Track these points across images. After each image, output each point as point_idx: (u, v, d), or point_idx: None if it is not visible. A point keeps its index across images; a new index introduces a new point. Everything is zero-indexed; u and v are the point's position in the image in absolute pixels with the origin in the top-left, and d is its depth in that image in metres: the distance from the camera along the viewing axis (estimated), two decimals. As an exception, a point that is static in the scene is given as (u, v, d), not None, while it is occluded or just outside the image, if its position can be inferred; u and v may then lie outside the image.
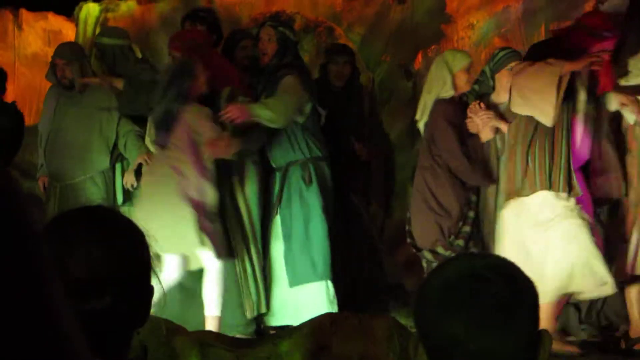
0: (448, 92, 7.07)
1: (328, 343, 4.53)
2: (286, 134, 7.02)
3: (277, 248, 7.05)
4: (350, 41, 9.40)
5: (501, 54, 7.07)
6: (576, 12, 8.75)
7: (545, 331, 1.75)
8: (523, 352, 1.72)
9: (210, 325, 6.60)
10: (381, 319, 4.70)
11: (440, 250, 6.90)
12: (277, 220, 7.05)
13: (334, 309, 6.85)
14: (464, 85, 7.09)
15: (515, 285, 1.73)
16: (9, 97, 9.22)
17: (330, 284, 6.92)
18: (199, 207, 6.60)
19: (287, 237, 6.99)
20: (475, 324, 1.70)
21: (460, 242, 6.90)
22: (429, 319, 1.75)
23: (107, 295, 1.85)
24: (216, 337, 4.98)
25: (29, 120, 10.21)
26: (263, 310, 7.00)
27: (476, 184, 6.96)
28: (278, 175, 7.09)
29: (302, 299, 6.89)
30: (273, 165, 7.13)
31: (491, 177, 6.92)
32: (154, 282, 1.98)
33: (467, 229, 6.92)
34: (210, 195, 6.70)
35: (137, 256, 1.93)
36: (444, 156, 6.96)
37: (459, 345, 1.70)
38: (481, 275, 1.73)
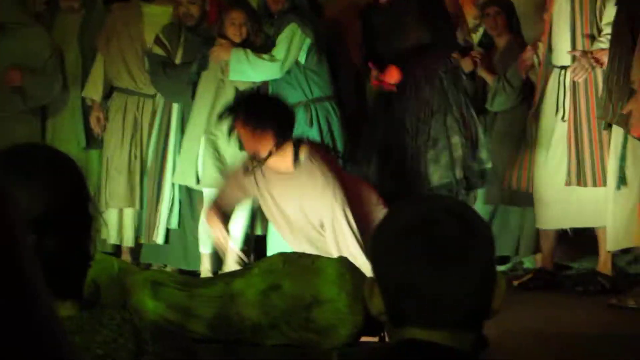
0: None
1: (280, 283, 4.54)
2: (288, 76, 6.92)
3: None
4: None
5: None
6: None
7: (501, 276, 1.75)
8: (477, 297, 1.72)
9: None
10: (334, 259, 4.71)
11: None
12: None
13: None
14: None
15: (470, 229, 1.72)
16: None
17: None
18: None
19: None
20: (429, 269, 1.70)
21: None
22: (384, 262, 1.75)
23: (43, 232, 1.83)
24: (168, 276, 4.98)
25: None
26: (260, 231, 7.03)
27: None
28: None
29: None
30: None
31: None
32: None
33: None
34: None
35: (68, 190, 1.91)
36: None
37: (414, 289, 1.70)
38: (436, 219, 1.72)
